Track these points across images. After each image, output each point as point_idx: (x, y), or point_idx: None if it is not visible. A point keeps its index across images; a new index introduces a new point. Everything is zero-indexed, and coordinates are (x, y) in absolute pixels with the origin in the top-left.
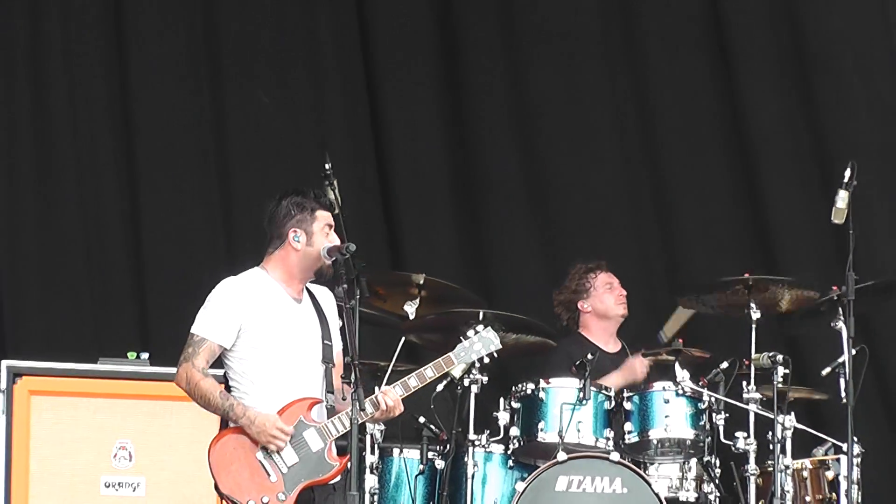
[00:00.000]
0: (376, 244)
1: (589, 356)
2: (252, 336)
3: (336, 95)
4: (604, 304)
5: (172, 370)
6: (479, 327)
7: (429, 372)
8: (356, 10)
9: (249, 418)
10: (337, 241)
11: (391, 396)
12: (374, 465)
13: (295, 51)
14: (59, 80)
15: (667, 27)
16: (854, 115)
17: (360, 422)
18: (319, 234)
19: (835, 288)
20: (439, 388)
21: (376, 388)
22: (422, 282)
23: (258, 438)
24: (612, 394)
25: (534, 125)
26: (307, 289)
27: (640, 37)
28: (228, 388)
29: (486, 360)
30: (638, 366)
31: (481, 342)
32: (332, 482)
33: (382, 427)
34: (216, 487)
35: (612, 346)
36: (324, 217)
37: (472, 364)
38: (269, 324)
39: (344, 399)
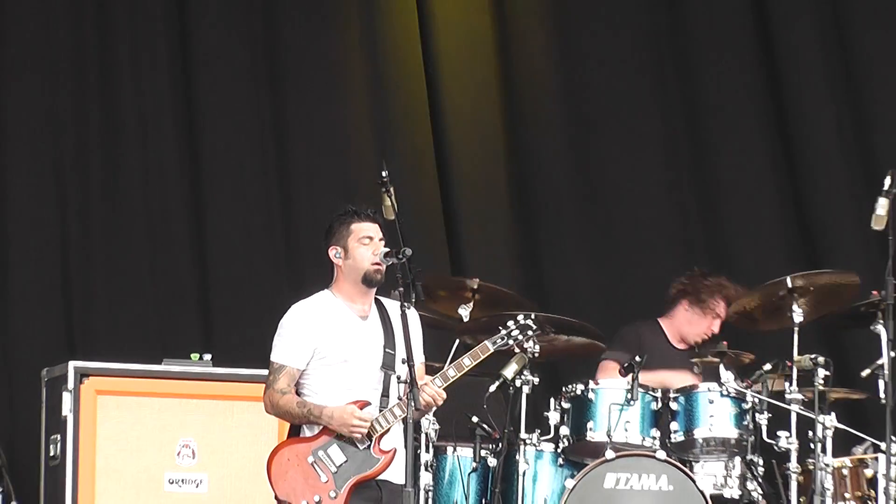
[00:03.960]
0: (436, 249)
1: (637, 358)
2: (320, 355)
3: (397, 107)
4: (696, 327)
5: (234, 371)
6: (519, 317)
7: (466, 361)
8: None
9: (328, 415)
10: (380, 248)
11: (430, 389)
12: (429, 463)
13: (353, 63)
14: (127, 95)
15: (715, 36)
16: None
17: (404, 416)
18: (356, 246)
19: (875, 293)
20: (492, 388)
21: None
22: (476, 286)
23: (341, 431)
24: (658, 395)
25: (585, 135)
26: (379, 302)
27: (689, 46)
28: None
29: (528, 350)
30: (678, 381)
31: (517, 329)
32: (399, 482)
33: (437, 426)
34: (275, 496)
35: (681, 344)
36: (360, 229)
37: (525, 365)
38: (335, 343)
39: (400, 399)
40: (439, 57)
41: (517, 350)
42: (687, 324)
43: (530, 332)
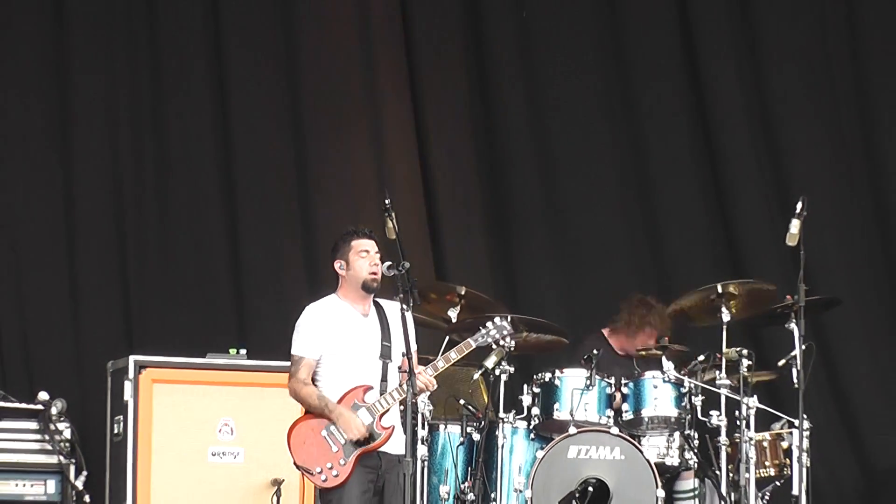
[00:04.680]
0: (425, 261)
1: (595, 351)
2: (329, 347)
3: (396, 142)
4: (632, 343)
5: (266, 363)
6: (496, 319)
7: (452, 354)
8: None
9: (338, 414)
10: (377, 261)
11: (423, 377)
12: (424, 438)
13: (357, 100)
14: (176, 130)
15: (653, 81)
16: (810, 151)
17: (403, 397)
18: (355, 259)
19: (788, 297)
20: (476, 376)
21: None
22: (463, 292)
23: (346, 431)
24: (612, 381)
25: (550, 164)
26: (377, 303)
27: (629, 89)
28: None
29: (504, 346)
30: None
31: (495, 329)
32: (396, 454)
33: (431, 408)
34: (294, 462)
35: (622, 351)
36: (359, 244)
37: (503, 358)
38: (340, 336)
39: (400, 384)
40: (420, 100)
41: (495, 346)
42: (625, 341)
43: (505, 332)
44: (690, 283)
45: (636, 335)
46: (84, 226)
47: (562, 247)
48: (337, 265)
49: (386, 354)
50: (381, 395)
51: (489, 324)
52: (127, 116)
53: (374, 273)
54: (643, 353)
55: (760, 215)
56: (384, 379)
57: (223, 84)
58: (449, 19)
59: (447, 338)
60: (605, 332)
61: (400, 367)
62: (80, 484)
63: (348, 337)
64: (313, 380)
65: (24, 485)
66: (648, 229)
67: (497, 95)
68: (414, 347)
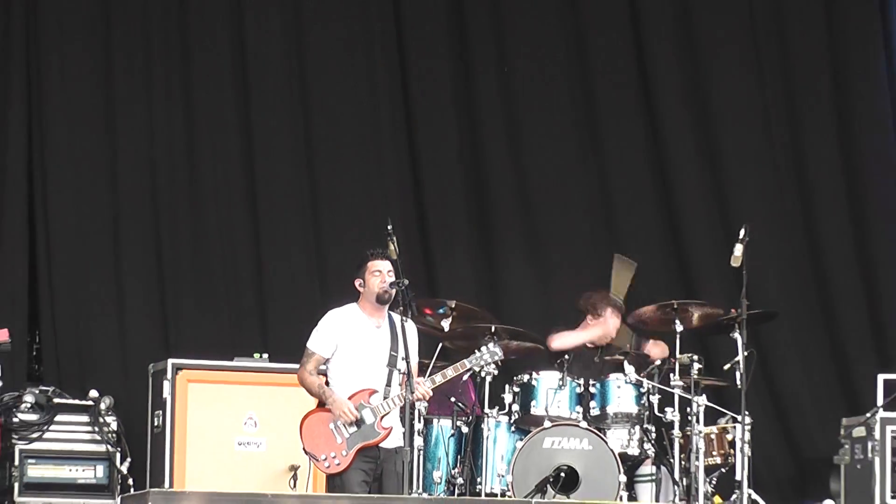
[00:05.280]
0: (421, 278)
1: (566, 357)
2: (342, 350)
3: (393, 170)
4: (605, 328)
5: (286, 366)
6: (490, 344)
7: (449, 372)
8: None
9: (332, 400)
10: (388, 280)
11: (423, 388)
12: (420, 431)
13: (356, 127)
14: (206, 157)
15: (618, 125)
16: (751, 184)
17: (401, 405)
18: (370, 277)
19: (733, 311)
20: (465, 377)
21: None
22: (453, 305)
23: (334, 411)
24: (581, 382)
25: (528, 193)
26: (391, 316)
27: (599, 136)
28: (327, 381)
29: (493, 366)
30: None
31: (488, 354)
32: (392, 447)
33: (426, 404)
34: (303, 448)
35: (591, 344)
36: (373, 266)
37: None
38: (353, 342)
39: (401, 385)
40: (413, 124)
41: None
42: (600, 330)
43: (497, 357)
44: (647, 299)
45: (605, 316)
46: (128, 247)
47: (538, 264)
48: (357, 283)
49: (392, 363)
50: (385, 399)
51: (483, 349)
52: (164, 149)
53: (385, 290)
54: (608, 357)
55: (709, 240)
56: (388, 384)
57: (248, 120)
58: (439, 50)
59: (440, 344)
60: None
61: (401, 371)
62: (125, 469)
63: (360, 343)
64: (327, 380)
65: (77, 469)
66: (613, 250)
67: (483, 144)
68: (415, 358)
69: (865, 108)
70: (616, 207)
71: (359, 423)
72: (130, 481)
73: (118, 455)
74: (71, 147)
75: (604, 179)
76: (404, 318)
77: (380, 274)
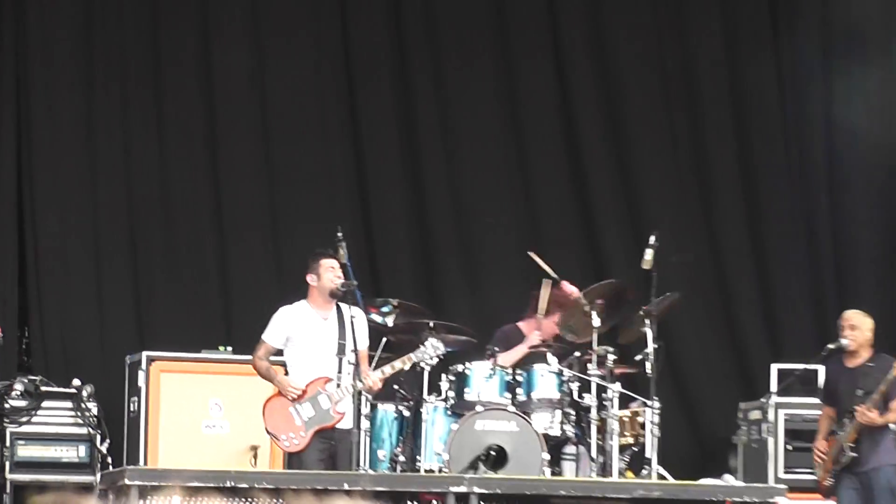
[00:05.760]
0: (367, 279)
1: (496, 348)
2: (294, 341)
3: (341, 186)
4: (544, 332)
5: (247, 357)
6: (433, 339)
7: (397, 364)
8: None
9: (278, 380)
10: (340, 276)
11: (371, 378)
12: (367, 415)
13: (310, 143)
14: (175, 165)
15: (541, 147)
16: (659, 191)
17: (357, 391)
18: (325, 274)
19: (644, 308)
20: (406, 367)
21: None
22: (396, 303)
23: (280, 390)
24: (509, 369)
25: (460, 203)
26: (339, 308)
27: (524, 159)
28: (286, 372)
29: (436, 359)
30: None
31: (431, 348)
32: (345, 428)
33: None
34: (265, 428)
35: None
36: (327, 263)
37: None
38: (304, 334)
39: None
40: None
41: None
42: (543, 324)
43: (439, 351)
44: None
45: (551, 314)
46: (107, 253)
47: (470, 267)
48: (309, 278)
49: (341, 351)
50: (338, 386)
51: (427, 343)
52: (138, 159)
53: (336, 286)
54: (533, 348)
55: (621, 243)
56: (339, 371)
57: (214, 134)
58: (383, 69)
59: (384, 339)
60: (521, 324)
61: (350, 362)
62: (104, 449)
63: (310, 335)
64: (286, 370)
65: (62, 449)
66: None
67: (421, 156)
68: (365, 345)
69: (760, 117)
70: (539, 214)
71: (311, 402)
72: (109, 460)
73: (98, 437)
74: (55, 155)
75: (528, 189)
76: (351, 307)
77: (332, 270)
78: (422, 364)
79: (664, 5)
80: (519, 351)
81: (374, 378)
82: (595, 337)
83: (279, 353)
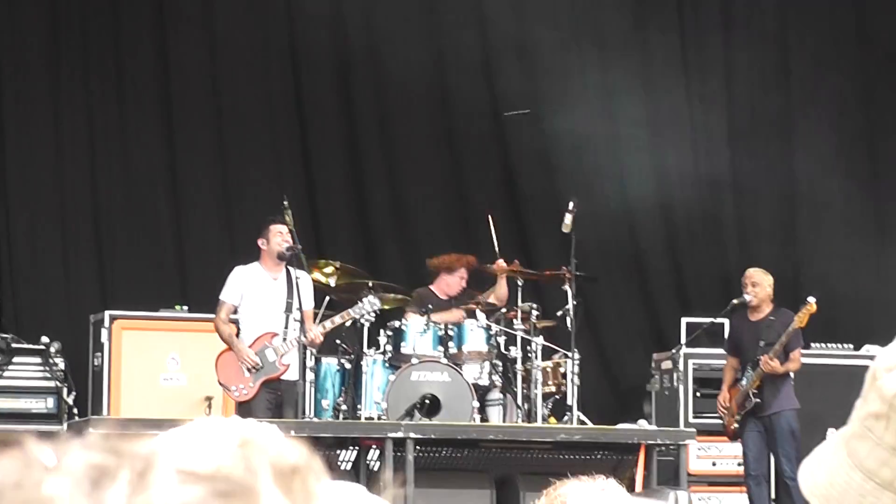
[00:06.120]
0: (311, 242)
1: (430, 306)
2: (247, 299)
3: (287, 159)
4: (452, 286)
5: (201, 315)
6: (370, 297)
7: (337, 319)
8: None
9: (238, 348)
10: (288, 242)
11: (314, 332)
12: (311, 367)
13: (260, 125)
14: (134, 142)
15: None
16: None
17: (302, 345)
18: (273, 238)
19: (564, 268)
20: (348, 323)
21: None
22: (338, 265)
23: (238, 357)
24: (441, 325)
25: (396, 175)
26: (288, 270)
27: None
28: (238, 329)
29: (372, 315)
30: (453, 317)
31: (368, 304)
32: (291, 380)
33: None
34: (218, 381)
35: (444, 296)
36: (275, 229)
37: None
38: (255, 292)
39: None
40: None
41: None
42: (446, 286)
43: (376, 307)
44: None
45: (455, 272)
46: (73, 220)
47: (404, 232)
48: (260, 242)
49: (289, 309)
50: (284, 340)
51: (364, 300)
52: (103, 139)
53: (284, 248)
54: (463, 306)
55: (546, 209)
56: (286, 327)
57: (170, 119)
58: (324, 57)
59: (327, 297)
60: (431, 286)
61: (296, 319)
62: (70, 401)
63: (261, 293)
64: (238, 327)
65: (31, 401)
66: (463, 221)
67: (357, 126)
68: (310, 305)
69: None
70: (466, 186)
71: (257, 366)
72: (75, 411)
73: (65, 389)
74: (24, 128)
75: (458, 159)
76: (297, 276)
77: (280, 235)
78: (361, 320)
79: None
80: (453, 314)
81: (317, 332)
82: (519, 294)
83: (236, 311)
